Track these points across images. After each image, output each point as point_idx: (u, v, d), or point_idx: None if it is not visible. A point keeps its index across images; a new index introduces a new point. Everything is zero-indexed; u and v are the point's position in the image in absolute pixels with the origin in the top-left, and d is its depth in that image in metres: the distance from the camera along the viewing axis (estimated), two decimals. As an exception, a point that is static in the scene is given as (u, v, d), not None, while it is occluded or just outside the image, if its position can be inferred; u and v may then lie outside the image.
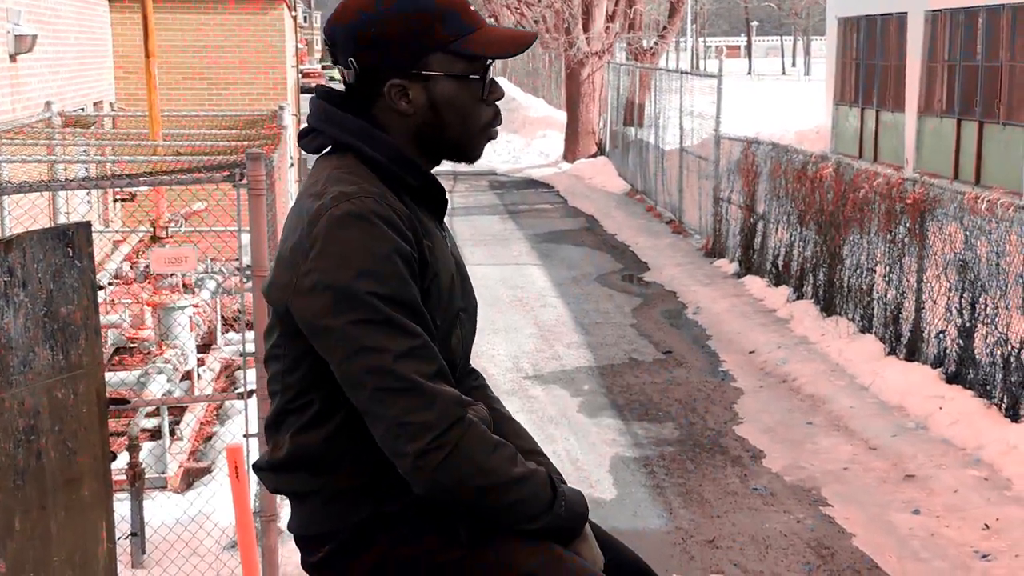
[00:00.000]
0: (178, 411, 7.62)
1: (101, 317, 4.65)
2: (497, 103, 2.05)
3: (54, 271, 3.50)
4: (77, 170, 8.70)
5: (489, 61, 2.00)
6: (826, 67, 24.33)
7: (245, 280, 5.89)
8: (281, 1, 15.09)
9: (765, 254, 11.42)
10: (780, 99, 30.60)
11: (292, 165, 13.00)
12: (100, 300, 5.35)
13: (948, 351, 7.82)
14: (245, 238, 5.18)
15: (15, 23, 8.76)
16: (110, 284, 8.66)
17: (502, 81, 28.93)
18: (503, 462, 1.86)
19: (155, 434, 7.10)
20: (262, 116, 10.43)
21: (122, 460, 6.01)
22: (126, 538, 5.23)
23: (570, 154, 23.89)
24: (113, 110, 12.55)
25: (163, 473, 6.48)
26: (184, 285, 8.21)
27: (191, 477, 6.66)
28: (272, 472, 2.03)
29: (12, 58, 8.85)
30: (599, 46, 23.40)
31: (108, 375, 6.15)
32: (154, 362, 7.02)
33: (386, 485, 1.89)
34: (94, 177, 7.42)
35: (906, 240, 8.47)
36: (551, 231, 15.88)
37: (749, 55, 62.91)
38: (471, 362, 2.18)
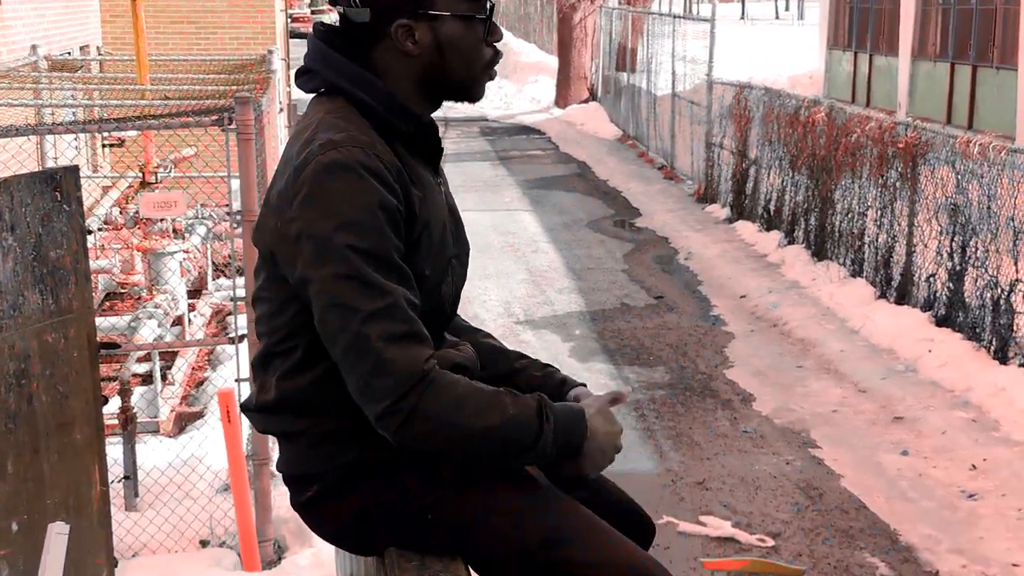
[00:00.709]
0: (169, 356, 7.62)
1: (91, 262, 4.64)
2: (496, 44, 2.05)
3: (42, 215, 3.48)
4: (64, 114, 8.64)
5: (491, 2, 2.00)
6: (819, 11, 24.16)
7: (235, 225, 5.87)
8: (269, -56, 14.89)
9: (757, 199, 11.41)
10: (773, 44, 30.38)
11: (281, 110, 12.91)
12: (89, 245, 5.33)
13: (938, 294, 7.84)
14: (235, 184, 5.16)
15: (-1, -35, 8.64)
16: (100, 229, 8.63)
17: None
18: (468, 416, 1.85)
19: (146, 379, 7.11)
20: (251, 61, 10.33)
21: (114, 405, 6.03)
22: (119, 481, 5.25)
23: (562, 100, 23.74)
24: (100, 54, 12.43)
25: (155, 417, 6.50)
26: (174, 230, 8.19)
27: (183, 421, 6.68)
28: (260, 413, 2.05)
29: (-3, 1, 8.74)
30: (591, -10, 23.18)
31: (99, 320, 6.15)
32: (144, 307, 7.02)
33: (371, 429, 1.90)
34: (82, 121, 7.37)
35: (898, 184, 8.47)
36: (542, 177, 15.82)
37: (742, -1, 62.37)
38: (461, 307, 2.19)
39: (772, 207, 10.95)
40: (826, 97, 18.94)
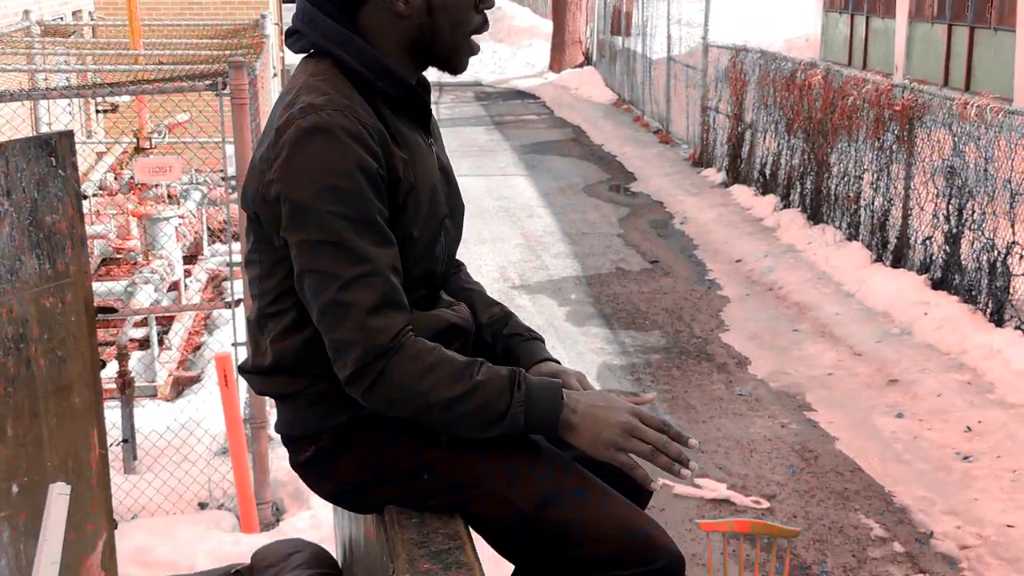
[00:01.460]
0: (166, 321, 7.63)
1: (87, 228, 4.62)
2: (486, 11, 2.04)
3: (38, 180, 3.47)
4: (58, 79, 8.59)
5: None
6: (816, -27, 23.99)
7: (230, 191, 5.86)
8: (261, -94, 14.76)
9: (752, 163, 11.39)
10: (769, 6, 30.22)
11: (275, 75, 12.85)
12: (85, 210, 5.32)
13: (934, 257, 7.85)
14: (229, 149, 5.14)
15: (-11, -71, 8.57)
16: (95, 195, 8.61)
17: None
18: (434, 386, 1.86)
19: (144, 343, 7.12)
20: (244, 25, 10.27)
21: (111, 369, 6.04)
22: (117, 445, 5.27)
23: (556, 64, 23.64)
24: (92, 19, 12.35)
25: (152, 382, 6.51)
26: (169, 196, 8.17)
27: (181, 385, 6.70)
28: (257, 375, 2.06)
29: (-12, -35, 8.67)
30: (586, -47, 23.03)
31: (95, 285, 6.15)
32: (141, 272, 7.01)
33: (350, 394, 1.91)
34: (76, 86, 7.34)
35: (894, 147, 8.46)
36: (537, 142, 15.79)
37: (738, -38, 62.01)
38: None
39: (768, 171, 10.93)
40: (823, 60, 18.86)
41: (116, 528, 3.71)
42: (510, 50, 26.52)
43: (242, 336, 4.99)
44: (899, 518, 5.06)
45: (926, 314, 7.44)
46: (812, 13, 23.82)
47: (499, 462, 1.98)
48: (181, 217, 8.12)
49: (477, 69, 24.03)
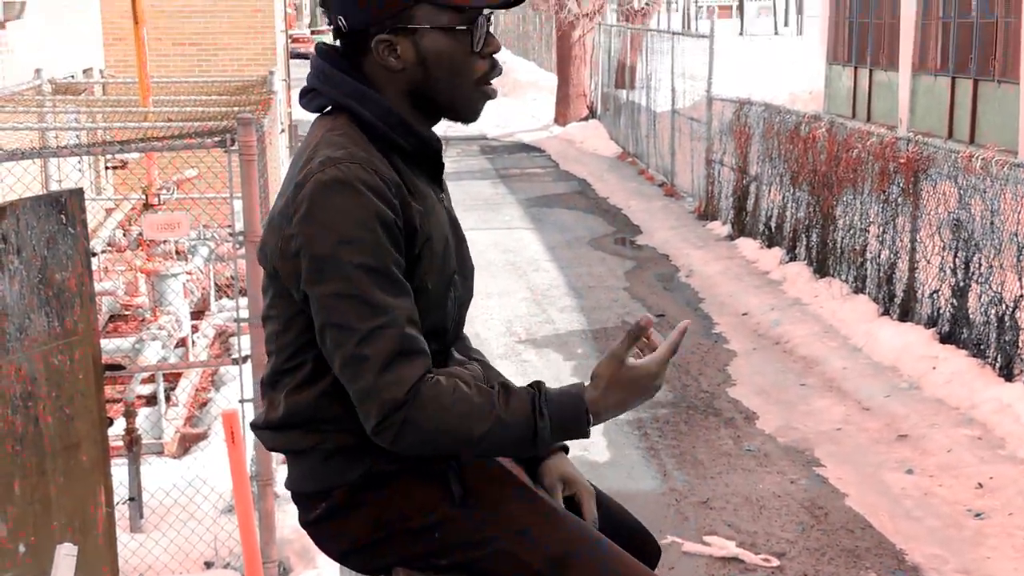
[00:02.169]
0: (173, 377, 7.62)
1: (95, 284, 4.64)
2: (495, 56, 2.00)
3: (48, 238, 3.49)
4: (68, 137, 8.66)
5: (484, 12, 1.96)
6: (819, 26, 24.22)
7: (238, 246, 5.88)
8: (270, -35, 14.95)
9: (758, 216, 11.42)
10: (773, 59, 30.50)
11: (283, 131, 12.95)
12: (94, 267, 5.34)
13: (942, 311, 7.84)
14: (237, 204, 5.17)
15: (2, -11, 8.69)
16: (103, 251, 8.64)
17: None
18: (459, 426, 1.87)
19: (151, 400, 7.11)
20: (252, 82, 10.37)
21: (118, 426, 6.03)
22: (124, 503, 5.25)
23: (561, 117, 23.78)
24: (103, 77, 12.47)
25: (159, 439, 6.49)
26: (177, 252, 8.20)
27: (187, 442, 6.68)
28: (269, 431, 2.06)
29: (1, 25, 8.78)
30: (590, 7, 23.25)
31: (103, 342, 6.15)
32: (148, 329, 7.02)
33: (378, 444, 1.90)
34: (86, 144, 7.39)
35: (900, 200, 8.48)
36: (543, 195, 15.85)
37: (741, 15, 62.55)
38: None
39: (773, 224, 10.96)
40: (826, 113, 18.97)
41: (122, 588, 3.69)
42: (515, 103, 26.71)
43: (249, 392, 4.99)
44: None
45: (934, 368, 7.42)
46: (816, 66, 24.01)
47: (512, 521, 1.98)
48: (189, 273, 8.15)
49: (482, 123, 24.15)
